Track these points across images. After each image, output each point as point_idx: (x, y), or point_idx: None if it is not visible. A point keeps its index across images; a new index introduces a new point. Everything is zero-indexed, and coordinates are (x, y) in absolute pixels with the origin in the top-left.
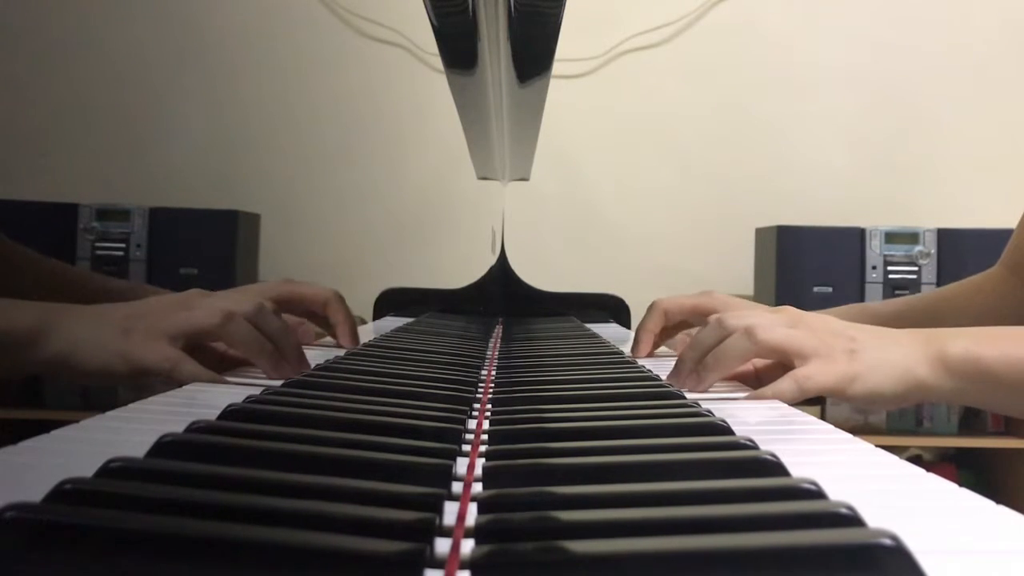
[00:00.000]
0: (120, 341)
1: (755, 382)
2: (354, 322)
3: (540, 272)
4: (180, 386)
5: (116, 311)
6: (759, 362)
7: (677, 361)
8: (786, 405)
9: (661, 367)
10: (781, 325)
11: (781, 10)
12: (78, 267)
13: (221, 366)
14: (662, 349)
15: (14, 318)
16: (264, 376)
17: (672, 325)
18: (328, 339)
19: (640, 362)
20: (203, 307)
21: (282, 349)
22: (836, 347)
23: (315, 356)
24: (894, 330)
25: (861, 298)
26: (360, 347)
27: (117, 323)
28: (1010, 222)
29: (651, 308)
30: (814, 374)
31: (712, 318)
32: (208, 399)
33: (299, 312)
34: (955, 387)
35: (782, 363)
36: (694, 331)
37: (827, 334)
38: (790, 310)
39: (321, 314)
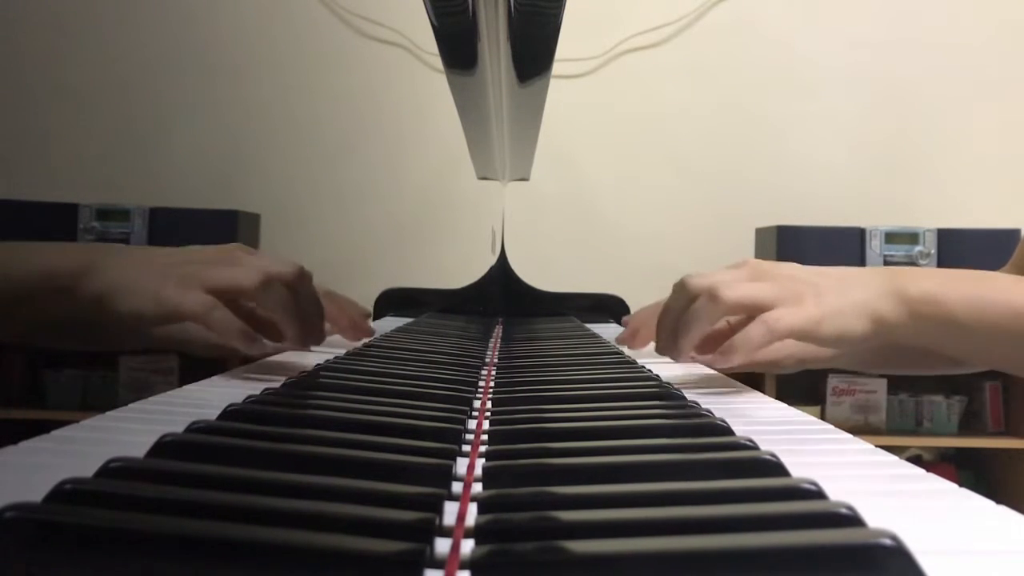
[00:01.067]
0: (157, 285)
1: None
2: (353, 314)
3: (540, 272)
4: (203, 347)
5: (159, 256)
6: (733, 318)
7: (655, 332)
8: (786, 405)
9: (661, 367)
10: (743, 280)
11: (781, 10)
12: None
13: (249, 322)
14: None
15: (59, 261)
16: (265, 378)
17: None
18: (328, 339)
19: (641, 362)
20: (246, 265)
21: (311, 320)
22: (801, 292)
23: (316, 356)
24: (858, 269)
25: None
26: (360, 347)
27: (157, 268)
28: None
29: (655, 305)
30: (783, 315)
31: (676, 283)
32: (208, 399)
33: None
34: (915, 327)
35: (752, 318)
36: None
37: (790, 281)
38: (751, 262)
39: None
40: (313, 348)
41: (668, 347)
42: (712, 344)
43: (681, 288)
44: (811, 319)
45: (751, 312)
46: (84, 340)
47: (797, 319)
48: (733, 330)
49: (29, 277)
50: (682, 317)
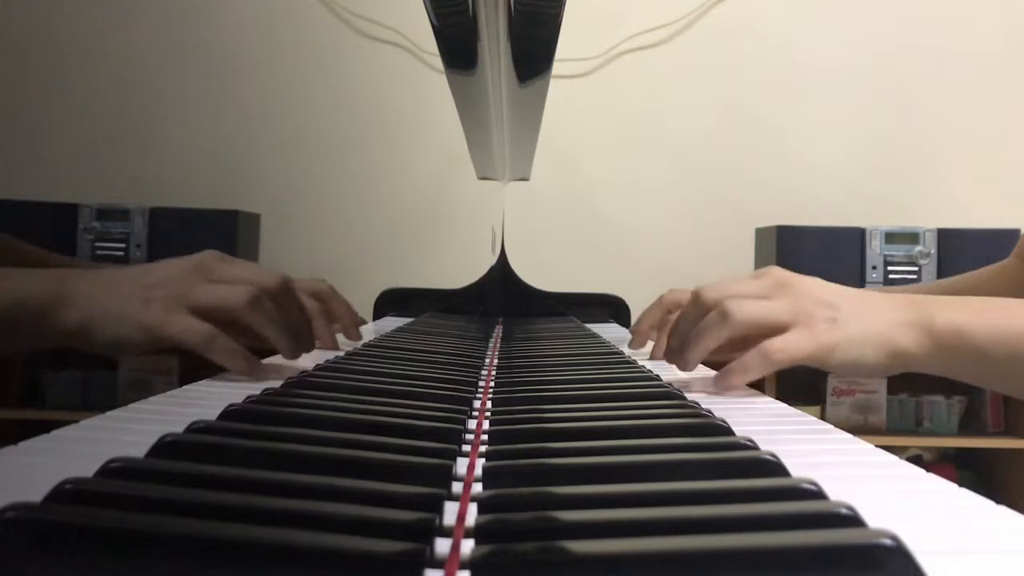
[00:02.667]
0: (141, 312)
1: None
2: (352, 314)
3: (540, 272)
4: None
5: (135, 278)
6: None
7: (667, 339)
8: (786, 405)
9: (661, 367)
10: (757, 297)
11: (781, 10)
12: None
13: (241, 339)
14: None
15: (29, 289)
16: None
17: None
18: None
19: (640, 362)
20: (229, 279)
21: (299, 329)
22: (816, 315)
23: (315, 356)
24: (880, 295)
25: None
26: (360, 347)
27: (137, 292)
28: (1010, 222)
29: (657, 302)
30: (787, 346)
31: (692, 293)
32: (208, 399)
33: None
34: (939, 359)
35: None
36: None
37: (808, 302)
38: (774, 272)
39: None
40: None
41: (675, 357)
42: (722, 351)
43: (696, 299)
44: (821, 347)
45: (761, 332)
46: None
47: (805, 348)
48: (745, 341)
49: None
50: (693, 328)
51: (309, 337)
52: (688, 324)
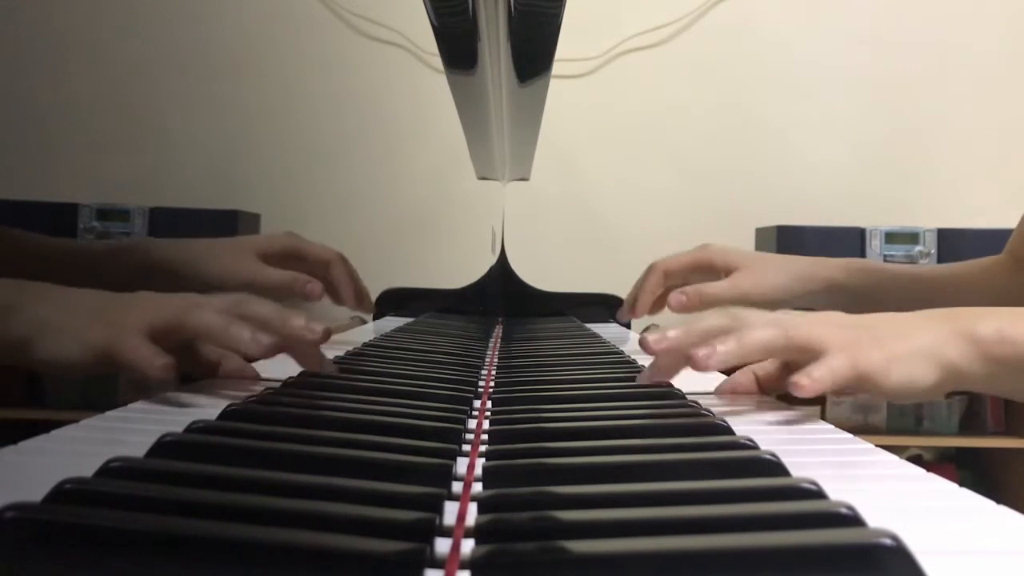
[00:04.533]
0: (88, 330)
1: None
2: (361, 286)
3: (540, 272)
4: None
5: (90, 296)
6: (760, 368)
7: (677, 337)
8: (786, 405)
9: None
10: (804, 322)
11: (781, 10)
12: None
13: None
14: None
15: None
16: (266, 378)
17: (673, 287)
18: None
19: (640, 363)
20: (174, 301)
21: (270, 332)
22: (862, 338)
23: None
24: (913, 314)
25: None
26: (360, 347)
27: (88, 310)
28: (1010, 222)
29: (650, 269)
30: (845, 365)
31: (726, 311)
32: (208, 399)
33: (302, 270)
34: (989, 372)
35: (788, 368)
36: (689, 288)
37: (847, 327)
38: (793, 313)
39: (324, 276)
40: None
41: (699, 350)
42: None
43: (732, 316)
44: (877, 368)
45: (808, 355)
46: None
47: (862, 367)
48: (760, 381)
49: None
50: (739, 332)
51: (271, 346)
52: (716, 331)
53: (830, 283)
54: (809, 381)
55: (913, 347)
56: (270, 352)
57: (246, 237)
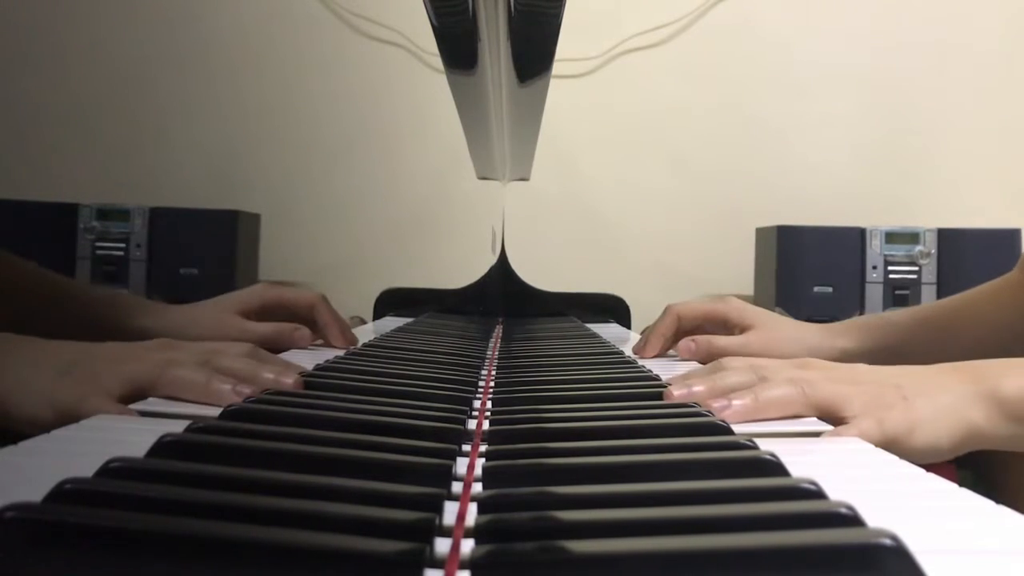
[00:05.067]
0: (56, 388)
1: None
2: (343, 322)
3: (540, 272)
4: None
5: (59, 350)
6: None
7: (700, 393)
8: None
9: (662, 368)
10: (825, 379)
11: (781, 10)
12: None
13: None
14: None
15: None
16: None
17: (684, 330)
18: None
19: (641, 362)
20: (148, 357)
21: (248, 383)
22: (886, 396)
23: (315, 356)
24: (935, 369)
25: (861, 298)
26: (360, 347)
27: (60, 364)
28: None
29: (665, 312)
30: (873, 430)
31: (739, 362)
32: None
33: (285, 318)
34: (1012, 433)
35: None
36: (700, 338)
37: (868, 384)
38: (814, 361)
39: (308, 318)
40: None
41: (725, 413)
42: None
43: (749, 368)
44: (903, 428)
45: (829, 414)
46: None
47: (889, 427)
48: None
49: None
50: (761, 394)
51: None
52: (731, 387)
53: (842, 352)
54: (857, 432)
55: (936, 408)
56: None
57: (224, 297)
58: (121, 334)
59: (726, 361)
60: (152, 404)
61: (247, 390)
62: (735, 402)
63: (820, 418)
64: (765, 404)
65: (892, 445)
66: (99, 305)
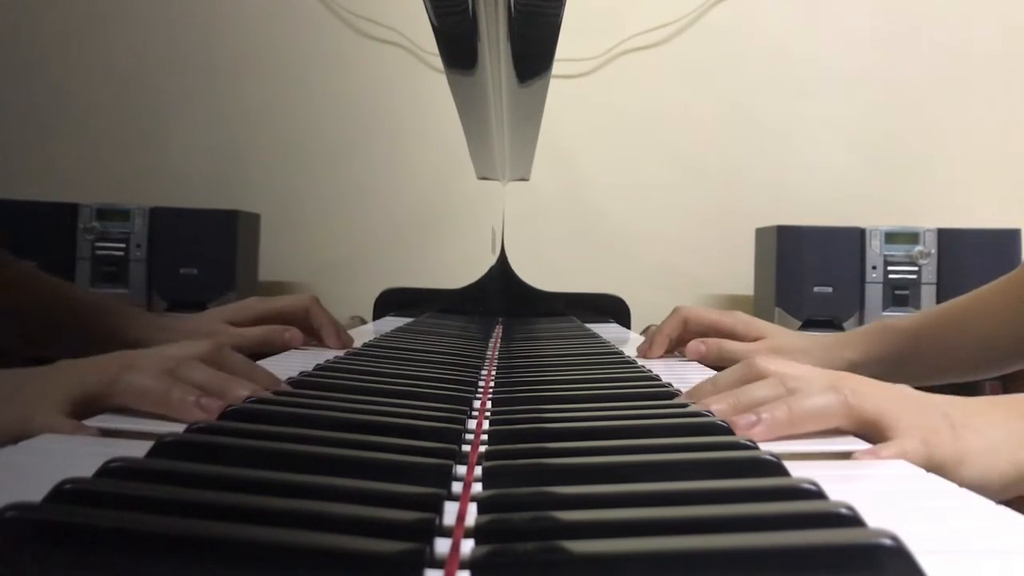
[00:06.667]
0: (1, 412)
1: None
2: (338, 323)
3: (540, 272)
4: None
5: (7, 376)
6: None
7: (722, 410)
8: None
9: (661, 367)
10: (867, 392)
11: (781, 10)
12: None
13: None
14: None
15: None
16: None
17: (690, 335)
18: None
19: (641, 362)
20: (102, 365)
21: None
22: (934, 422)
23: (316, 356)
24: (984, 401)
25: (861, 298)
26: (360, 347)
27: (9, 386)
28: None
29: (673, 313)
30: (919, 452)
31: (770, 364)
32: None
33: (279, 323)
34: None
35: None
36: (711, 340)
37: (918, 406)
38: (850, 375)
39: (304, 323)
40: (310, 346)
41: (754, 429)
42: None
43: (777, 381)
44: (953, 457)
45: (871, 430)
46: None
47: (939, 452)
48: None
49: None
50: (799, 407)
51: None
52: (758, 399)
53: (849, 364)
54: (898, 452)
55: (986, 443)
56: (213, 416)
57: (216, 310)
58: (115, 343)
59: (757, 362)
60: (107, 420)
61: (214, 405)
62: (764, 415)
63: (859, 435)
64: (802, 416)
65: (938, 473)
66: (97, 313)
